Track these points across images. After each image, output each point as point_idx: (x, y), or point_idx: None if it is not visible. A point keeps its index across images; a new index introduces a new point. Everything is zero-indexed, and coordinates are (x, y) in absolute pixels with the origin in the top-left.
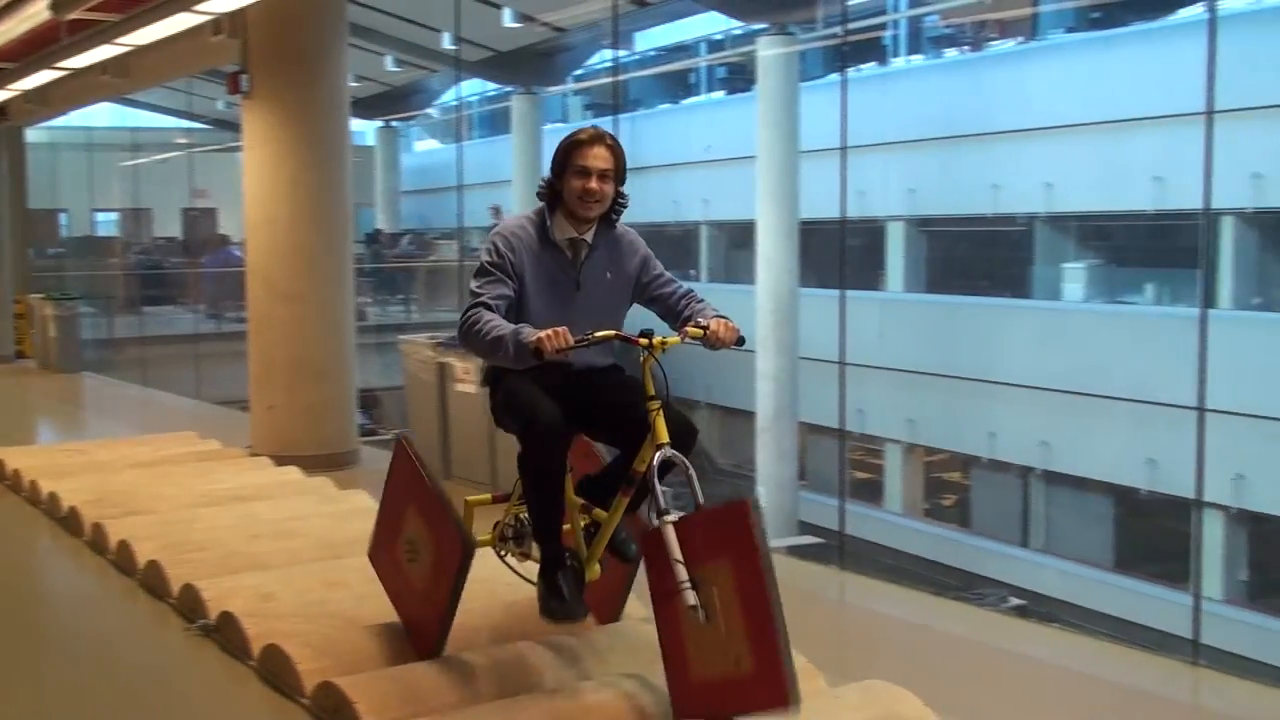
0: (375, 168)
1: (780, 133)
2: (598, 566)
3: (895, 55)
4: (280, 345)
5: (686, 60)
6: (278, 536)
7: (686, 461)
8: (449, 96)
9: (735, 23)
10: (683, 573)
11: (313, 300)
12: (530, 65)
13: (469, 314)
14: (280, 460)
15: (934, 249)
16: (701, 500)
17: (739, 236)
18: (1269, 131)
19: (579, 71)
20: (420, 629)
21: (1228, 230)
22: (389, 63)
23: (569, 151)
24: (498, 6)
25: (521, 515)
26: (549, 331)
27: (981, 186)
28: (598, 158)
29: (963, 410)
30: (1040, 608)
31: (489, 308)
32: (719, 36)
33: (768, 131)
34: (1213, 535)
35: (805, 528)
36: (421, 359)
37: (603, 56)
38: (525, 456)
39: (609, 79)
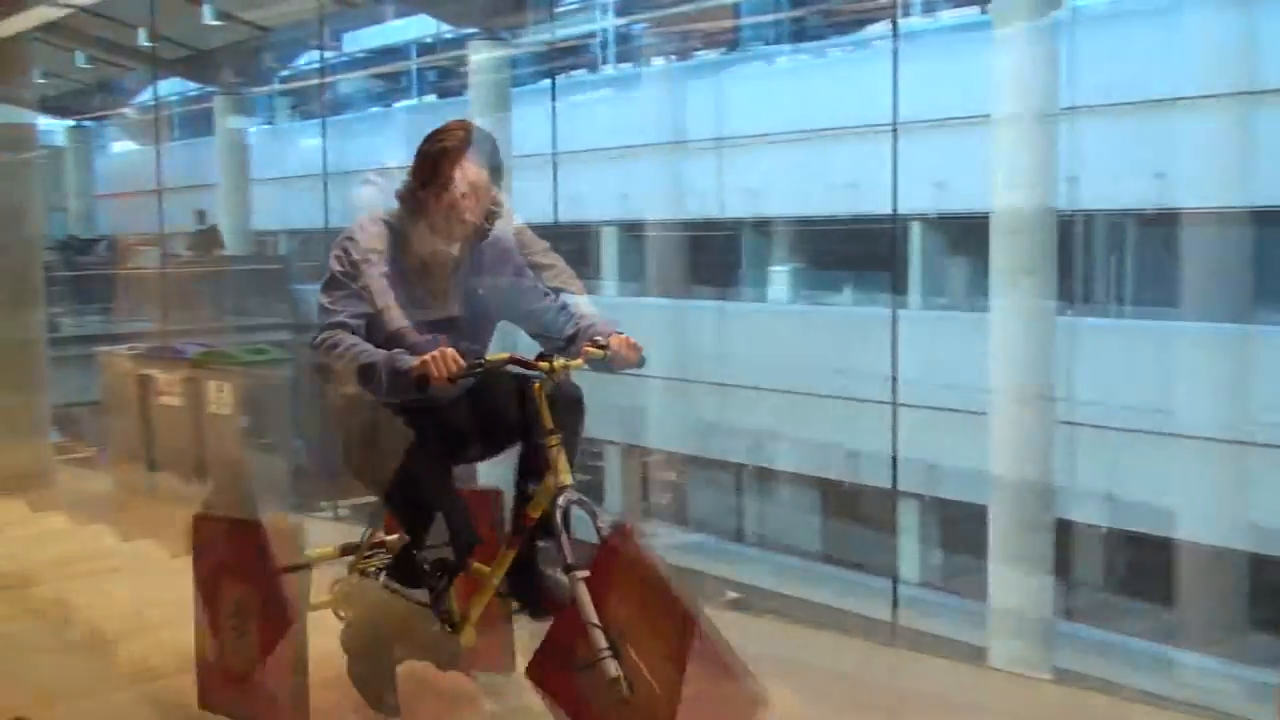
0: (66, 169)
1: (496, 137)
2: (473, 631)
3: (605, 63)
4: None
5: (397, 63)
6: None
7: (593, 507)
8: (146, 96)
9: (445, 26)
10: (601, 639)
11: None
12: (233, 65)
13: (325, 336)
14: None
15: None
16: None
17: None
18: (949, 142)
19: (286, 72)
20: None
21: (915, 235)
22: (79, 59)
23: (436, 161)
24: (198, 3)
25: (370, 571)
26: (435, 354)
27: (691, 193)
28: (466, 172)
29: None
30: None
31: (347, 328)
32: (429, 40)
33: None
34: (909, 523)
35: None
36: (121, 371)
37: (311, 57)
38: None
39: (317, 80)
